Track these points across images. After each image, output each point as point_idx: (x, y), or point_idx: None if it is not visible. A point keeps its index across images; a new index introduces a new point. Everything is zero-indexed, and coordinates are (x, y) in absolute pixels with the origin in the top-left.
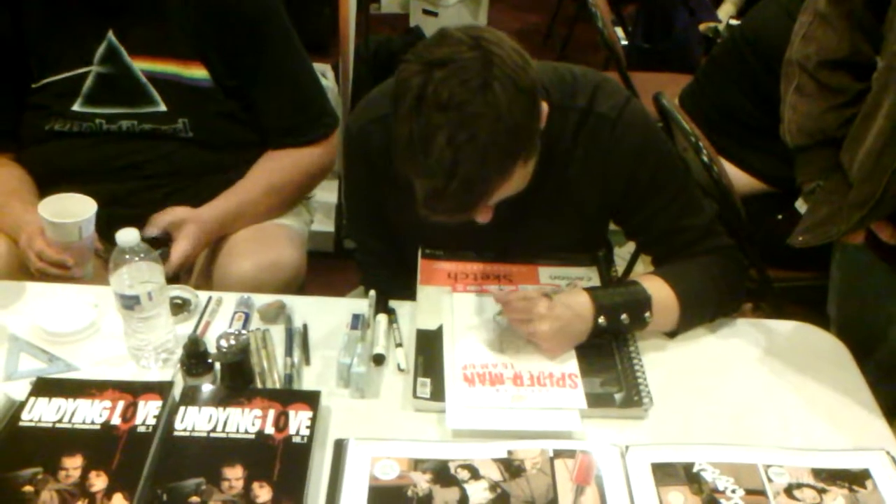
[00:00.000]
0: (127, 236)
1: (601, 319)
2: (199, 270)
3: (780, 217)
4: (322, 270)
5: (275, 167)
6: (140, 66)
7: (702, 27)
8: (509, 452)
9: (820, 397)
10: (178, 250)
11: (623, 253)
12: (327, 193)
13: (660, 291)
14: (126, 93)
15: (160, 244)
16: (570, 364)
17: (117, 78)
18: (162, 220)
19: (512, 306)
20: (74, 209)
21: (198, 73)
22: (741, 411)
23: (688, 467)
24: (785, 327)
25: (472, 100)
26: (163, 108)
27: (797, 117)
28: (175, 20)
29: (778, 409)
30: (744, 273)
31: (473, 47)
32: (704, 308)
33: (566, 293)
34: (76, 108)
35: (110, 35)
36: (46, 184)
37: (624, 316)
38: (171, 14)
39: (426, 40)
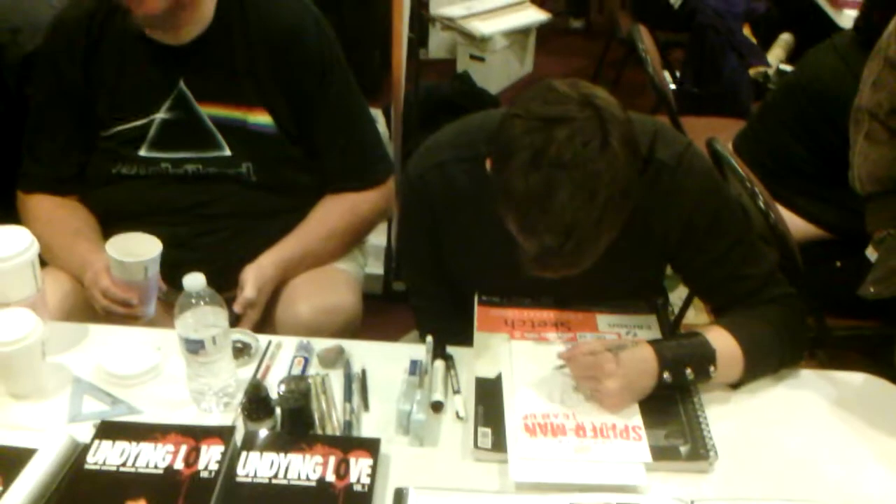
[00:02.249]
0: (194, 281)
1: (666, 375)
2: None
3: (838, 264)
4: (372, 313)
5: (334, 212)
6: (207, 111)
7: (752, 71)
8: None
9: (889, 451)
10: (240, 298)
11: (674, 298)
12: (377, 236)
13: (724, 344)
14: (192, 137)
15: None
16: (634, 416)
17: (184, 123)
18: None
19: (577, 362)
20: (140, 249)
21: (262, 119)
22: (807, 465)
23: None
24: (850, 378)
25: (595, 159)
26: (228, 152)
27: (868, 165)
28: (242, 68)
29: (845, 463)
30: (806, 322)
31: (584, 104)
32: (769, 359)
33: (632, 350)
34: (142, 153)
35: (181, 84)
36: (110, 225)
37: (689, 371)
38: (239, 62)
39: (528, 95)
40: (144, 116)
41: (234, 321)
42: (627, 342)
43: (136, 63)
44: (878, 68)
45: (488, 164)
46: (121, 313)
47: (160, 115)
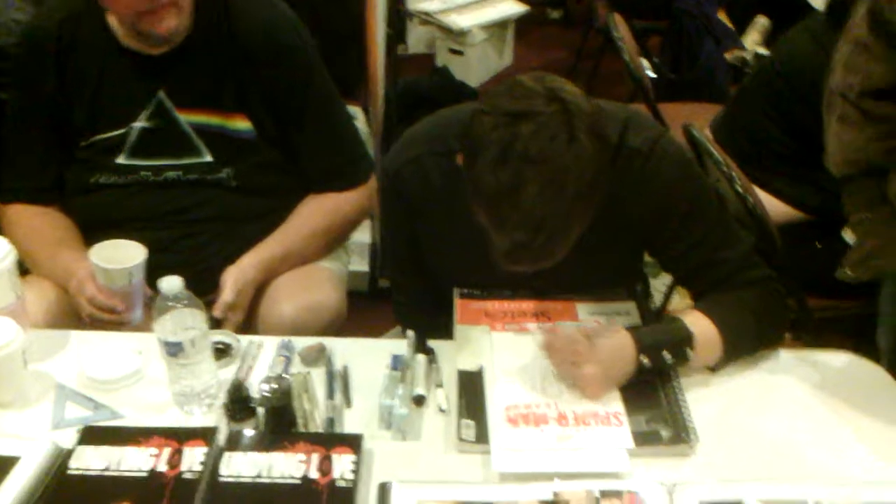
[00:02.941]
0: (170, 284)
1: (644, 359)
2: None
3: (818, 245)
4: (357, 310)
5: (316, 212)
6: (186, 118)
7: (728, 56)
8: (555, 494)
9: (870, 430)
10: (220, 301)
11: (659, 285)
12: (361, 234)
13: (702, 327)
14: (172, 145)
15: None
16: (615, 402)
17: (164, 131)
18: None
19: (555, 349)
20: (124, 255)
21: (241, 124)
22: (789, 445)
23: None
24: (831, 359)
25: (562, 153)
26: (208, 158)
27: (841, 147)
28: (220, 75)
29: (826, 443)
30: (785, 304)
31: (550, 98)
32: (747, 341)
33: (608, 335)
34: (121, 161)
35: (161, 92)
36: (91, 234)
37: (667, 354)
38: (218, 69)
39: (496, 90)
40: (123, 126)
41: (218, 323)
42: (605, 329)
43: (114, 74)
44: (849, 50)
45: (459, 160)
46: (108, 320)
47: (139, 124)
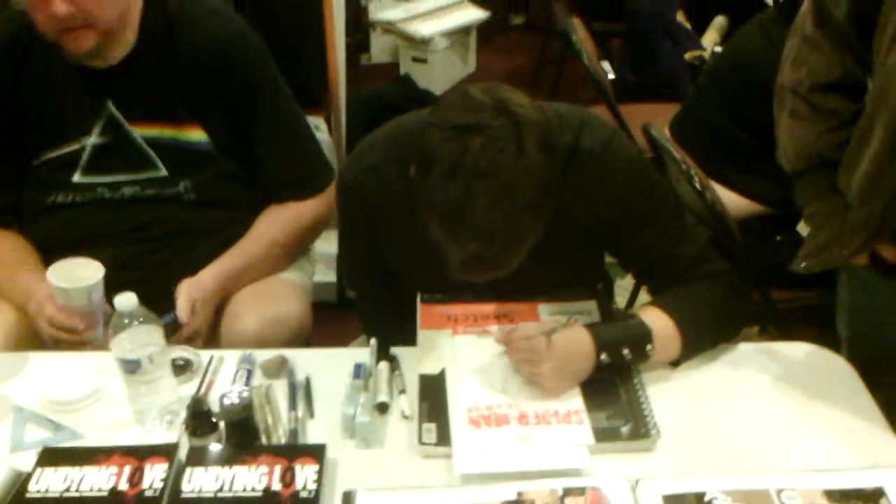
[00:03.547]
0: (125, 301)
1: (603, 356)
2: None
3: (778, 238)
4: (326, 321)
5: (276, 222)
6: (139, 132)
7: (687, 56)
8: (519, 494)
9: (830, 418)
10: (177, 311)
11: (625, 284)
12: (328, 244)
13: (659, 323)
14: (126, 160)
15: (175, 329)
16: (575, 400)
17: (117, 146)
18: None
19: (513, 347)
20: (82, 274)
21: (196, 135)
22: (750, 437)
23: (700, 497)
24: (790, 350)
25: (512, 165)
26: (164, 172)
27: (793, 142)
28: (172, 86)
29: (787, 433)
30: (742, 296)
31: (499, 110)
32: (705, 335)
33: (566, 332)
34: (76, 179)
35: (110, 106)
36: (49, 254)
37: (626, 351)
38: (168, 80)
39: (447, 102)
40: (75, 142)
41: (176, 329)
42: (562, 325)
43: (62, 88)
44: (797, 45)
45: (412, 171)
46: (68, 340)
47: (91, 140)
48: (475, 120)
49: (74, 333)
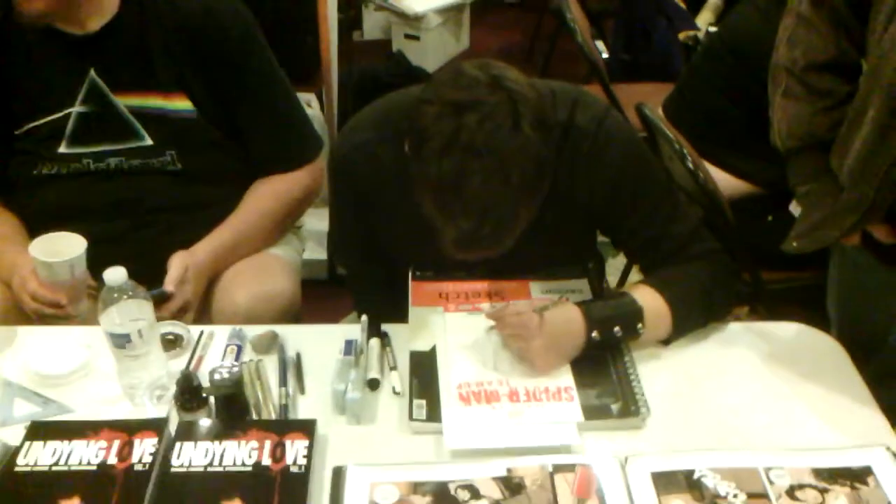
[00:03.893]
0: (114, 275)
1: (594, 334)
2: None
3: (770, 218)
4: (316, 298)
5: (264, 195)
6: (123, 101)
7: (681, 36)
8: (509, 470)
9: (818, 397)
10: (168, 277)
11: (617, 263)
12: (318, 221)
13: (651, 301)
14: (111, 130)
15: (165, 299)
16: (565, 377)
17: (101, 116)
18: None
19: (504, 323)
20: (66, 247)
21: (181, 104)
22: (739, 415)
23: (688, 475)
24: (780, 329)
25: (507, 142)
26: (149, 141)
27: (786, 121)
28: (156, 54)
29: (776, 412)
30: (733, 276)
31: (494, 87)
32: (696, 314)
33: (558, 309)
34: (62, 149)
35: (92, 74)
36: (37, 228)
37: (617, 329)
38: (153, 48)
39: (440, 78)
40: (58, 111)
41: (164, 299)
42: (553, 303)
43: (44, 56)
44: (793, 24)
45: (406, 147)
46: (52, 314)
47: (75, 109)
48: (470, 97)
49: (58, 308)
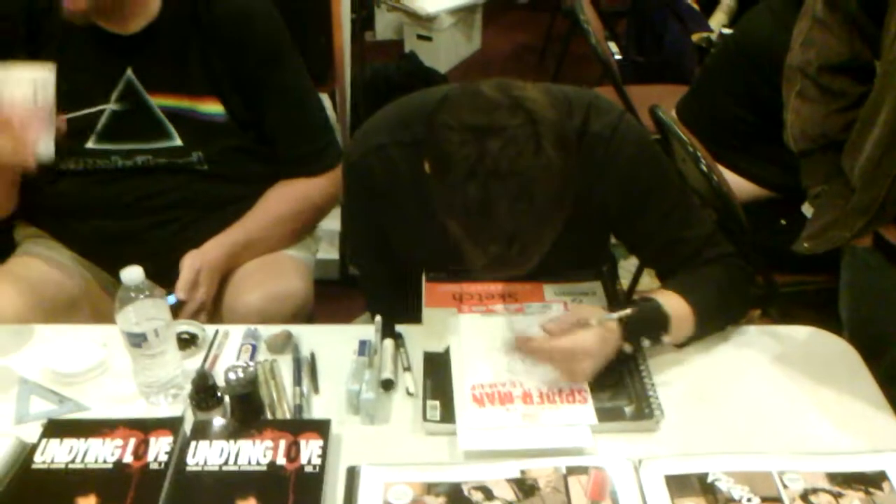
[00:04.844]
0: (131, 274)
1: (626, 346)
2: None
3: (783, 222)
4: (328, 298)
5: (283, 198)
6: (157, 101)
7: (694, 37)
8: (522, 472)
9: (832, 401)
10: (180, 281)
11: (629, 265)
12: (331, 221)
13: (677, 308)
14: (142, 128)
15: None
16: None
17: (133, 114)
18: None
19: (559, 346)
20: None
21: (213, 107)
22: (753, 419)
23: (702, 478)
24: (794, 333)
25: (531, 166)
26: (178, 142)
27: (800, 122)
28: (192, 57)
29: (790, 415)
30: (748, 280)
31: (514, 109)
32: (717, 319)
33: (602, 328)
34: (90, 145)
35: (129, 73)
36: (60, 221)
37: (647, 342)
38: (189, 51)
39: (458, 100)
40: (92, 105)
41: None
42: (598, 320)
43: (83, 53)
44: (807, 27)
45: (427, 168)
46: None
47: (110, 106)
48: (491, 121)
49: (9, 132)
